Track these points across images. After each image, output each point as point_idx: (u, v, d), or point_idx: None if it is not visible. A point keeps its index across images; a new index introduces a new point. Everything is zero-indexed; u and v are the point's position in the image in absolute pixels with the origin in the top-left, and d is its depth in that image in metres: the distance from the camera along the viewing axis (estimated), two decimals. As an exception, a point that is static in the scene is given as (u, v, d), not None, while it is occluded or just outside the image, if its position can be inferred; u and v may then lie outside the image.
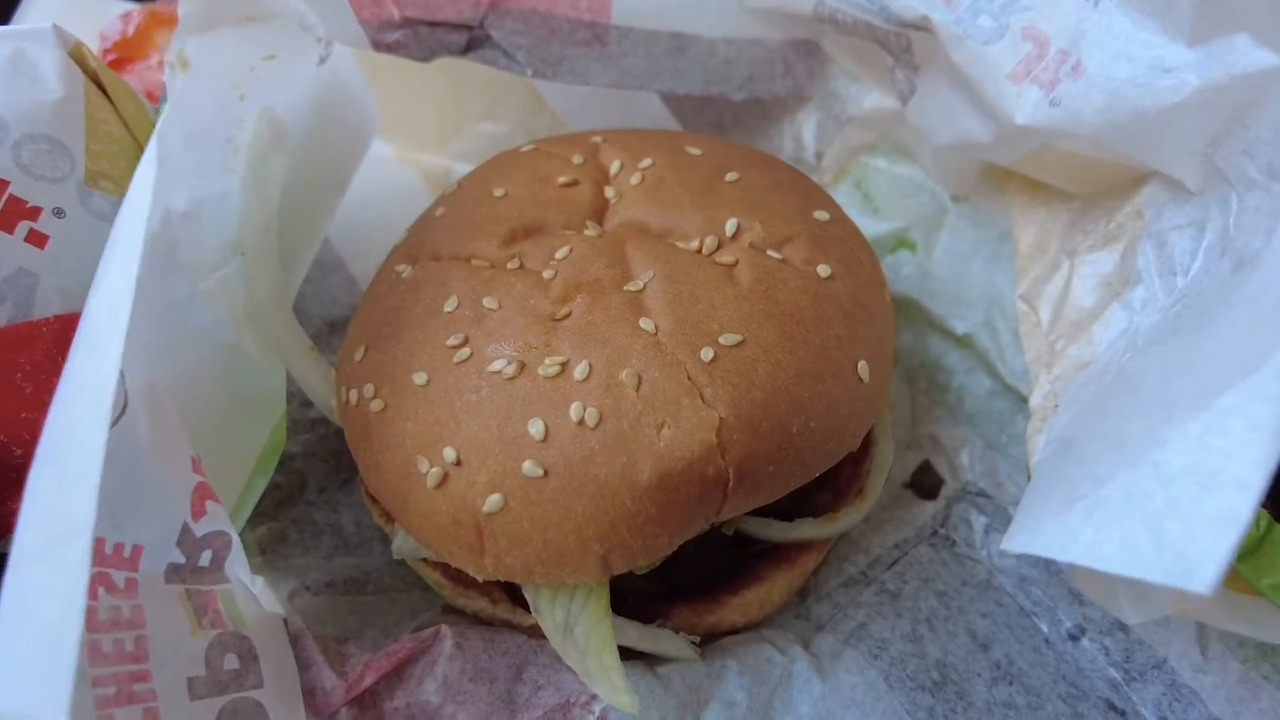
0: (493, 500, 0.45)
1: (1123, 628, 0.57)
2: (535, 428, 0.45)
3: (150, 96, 0.83)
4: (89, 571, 0.33)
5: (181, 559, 0.46)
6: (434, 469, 0.46)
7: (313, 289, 0.74)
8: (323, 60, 0.66)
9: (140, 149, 0.61)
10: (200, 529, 0.46)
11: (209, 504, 0.48)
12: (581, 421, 0.45)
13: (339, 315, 0.73)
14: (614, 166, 0.58)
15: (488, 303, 0.50)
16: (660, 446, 0.44)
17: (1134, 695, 0.55)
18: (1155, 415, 0.39)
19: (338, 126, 0.69)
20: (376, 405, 0.50)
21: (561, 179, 0.57)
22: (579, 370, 0.46)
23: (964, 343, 0.70)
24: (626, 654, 0.54)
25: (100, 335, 0.39)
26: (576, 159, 0.59)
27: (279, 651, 0.48)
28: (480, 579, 0.48)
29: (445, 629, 0.52)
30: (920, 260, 0.73)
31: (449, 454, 0.46)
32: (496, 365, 0.47)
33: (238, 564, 0.49)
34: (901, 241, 0.74)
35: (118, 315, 0.39)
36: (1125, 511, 0.36)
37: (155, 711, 0.40)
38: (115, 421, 0.40)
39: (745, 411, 0.45)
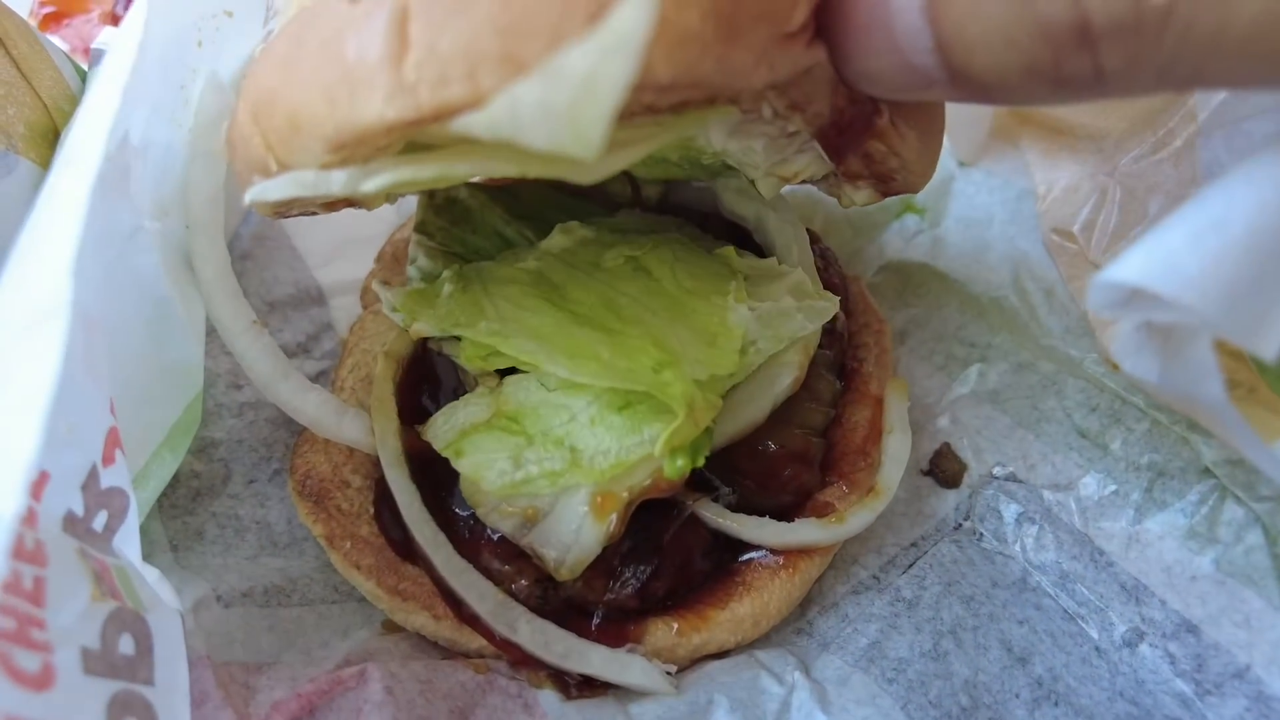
0: None
1: (1191, 630, 0.45)
2: None
3: (87, 53, 0.72)
4: None
5: (80, 511, 0.36)
6: None
7: (254, 265, 0.63)
8: (269, 35, 0.57)
9: (34, 92, 0.50)
10: (106, 479, 0.37)
11: (118, 452, 0.39)
12: None
13: (281, 294, 0.61)
14: None
15: None
16: None
17: (1209, 713, 0.44)
18: None
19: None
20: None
21: None
22: None
23: (986, 312, 0.59)
24: (598, 687, 0.42)
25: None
26: None
27: (171, 651, 0.37)
28: (402, 117, 0.30)
29: (372, 669, 0.41)
30: (930, 229, 0.66)
31: None
32: None
33: (128, 543, 0.39)
34: (908, 205, 0.69)
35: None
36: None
37: (52, 667, 0.31)
38: None
39: None
